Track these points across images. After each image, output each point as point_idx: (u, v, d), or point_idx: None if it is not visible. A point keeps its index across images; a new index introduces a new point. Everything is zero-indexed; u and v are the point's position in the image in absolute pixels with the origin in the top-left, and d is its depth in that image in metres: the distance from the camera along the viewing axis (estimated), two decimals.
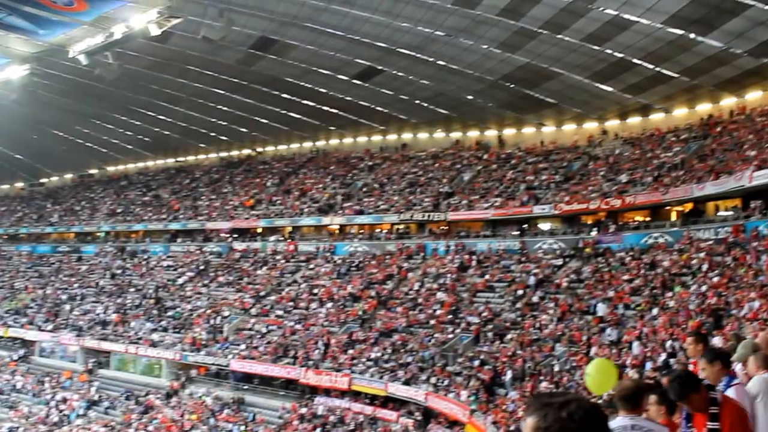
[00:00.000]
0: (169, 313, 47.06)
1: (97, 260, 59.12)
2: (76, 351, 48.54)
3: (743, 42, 31.97)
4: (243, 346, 40.41)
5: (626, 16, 31.64)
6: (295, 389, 37.49)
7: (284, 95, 48.83)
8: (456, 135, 52.17)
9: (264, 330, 41.28)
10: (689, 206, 34.33)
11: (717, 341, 19.22)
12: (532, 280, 35.02)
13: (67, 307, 52.73)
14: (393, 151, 54.70)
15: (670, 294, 28.18)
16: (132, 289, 52.06)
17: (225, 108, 52.92)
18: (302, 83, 46.06)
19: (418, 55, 39.61)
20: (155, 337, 44.80)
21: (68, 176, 77.82)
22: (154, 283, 51.77)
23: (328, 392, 35.65)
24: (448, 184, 46.82)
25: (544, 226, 41.04)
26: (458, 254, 40.47)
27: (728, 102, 39.01)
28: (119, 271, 55.74)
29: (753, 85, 37.16)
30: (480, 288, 36.78)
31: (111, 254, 58.85)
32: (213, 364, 41.17)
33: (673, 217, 35.80)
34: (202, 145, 65.35)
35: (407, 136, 54.55)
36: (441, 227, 43.97)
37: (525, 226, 40.44)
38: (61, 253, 62.97)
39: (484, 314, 34.01)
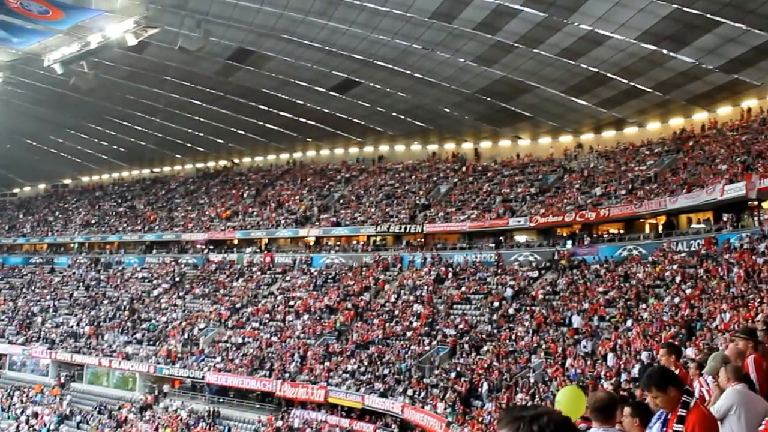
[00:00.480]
0: (144, 326, 46.54)
1: (70, 272, 58.37)
2: (48, 364, 47.80)
3: (714, 58, 32.61)
4: (219, 359, 40.04)
5: (600, 32, 32.13)
6: (271, 402, 37.18)
7: (261, 106, 48.77)
8: (433, 147, 52.42)
9: (240, 342, 40.99)
10: (662, 219, 34.78)
11: (690, 352, 19.44)
12: (508, 292, 35.17)
13: (39, 319, 51.94)
14: (370, 163, 54.81)
15: (644, 306, 28.44)
16: (106, 301, 51.43)
17: (202, 119, 52.70)
18: (279, 95, 46.03)
19: (396, 68, 39.81)
20: (129, 349, 44.24)
21: (42, 186, 76.89)
22: (129, 295, 51.19)
23: (304, 405, 35.39)
24: (425, 197, 46.99)
25: (520, 238, 41.30)
26: (435, 266, 40.54)
27: (700, 116, 39.72)
28: (93, 283, 55.05)
29: (724, 100, 37.91)
30: (456, 300, 36.84)
31: (85, 266, 58.14)
32: (188, 377, 40.73)
33: (647, 229, 36.24)
34: (178, 156, 64.95)
35: (384, 148, 54.69)
36: (417, 239, 44.05)
37: (501, 238, 40.65)
38: (33, 264, 62.12)
39: (461, 326, 34.04)
